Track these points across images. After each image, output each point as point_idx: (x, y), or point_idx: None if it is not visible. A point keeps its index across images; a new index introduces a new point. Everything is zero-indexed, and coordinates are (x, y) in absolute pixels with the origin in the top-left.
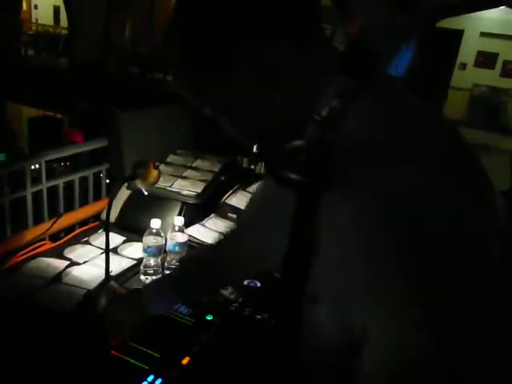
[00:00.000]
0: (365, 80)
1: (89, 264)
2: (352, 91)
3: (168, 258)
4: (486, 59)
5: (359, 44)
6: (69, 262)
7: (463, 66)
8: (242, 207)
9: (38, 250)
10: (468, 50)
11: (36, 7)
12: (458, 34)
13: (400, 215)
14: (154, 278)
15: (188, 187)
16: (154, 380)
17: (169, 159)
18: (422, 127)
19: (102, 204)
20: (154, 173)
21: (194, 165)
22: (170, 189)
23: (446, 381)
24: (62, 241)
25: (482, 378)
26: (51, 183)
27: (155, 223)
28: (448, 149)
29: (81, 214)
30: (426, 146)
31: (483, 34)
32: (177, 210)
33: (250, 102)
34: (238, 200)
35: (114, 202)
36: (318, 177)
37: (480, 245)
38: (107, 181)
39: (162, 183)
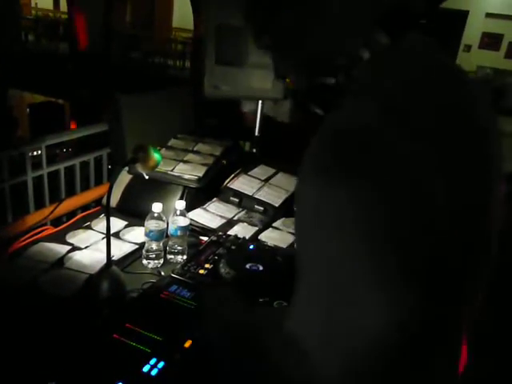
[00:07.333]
0: (396, 38)
1: (90, 249)
2: (381, 46)
3: (170, 243)
4: (490, 40)
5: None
6: (70, 247)
7: (468, 48)
8: (244, 191)
9: (39, 235)
10: (473, 32)
11: None
12: (463, 15)
13: None
14: (155, 261)
15: (189, 171)
16: (157, 363)
17: (170, 143)
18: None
19: (104, 189)
20: (155, 157)
21: (195, 149)
22: (171, 173)
23: None
24: (63, 226)
25: None
26: (52, 168)
27: (157, 207)
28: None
29: (82, 198)
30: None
31: (489, 15)
32: (178, 194)
33: (294, 39)
34: (240, 184)
35: (115, 187)
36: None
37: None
38: (109, 166)
39: (163, 167)
